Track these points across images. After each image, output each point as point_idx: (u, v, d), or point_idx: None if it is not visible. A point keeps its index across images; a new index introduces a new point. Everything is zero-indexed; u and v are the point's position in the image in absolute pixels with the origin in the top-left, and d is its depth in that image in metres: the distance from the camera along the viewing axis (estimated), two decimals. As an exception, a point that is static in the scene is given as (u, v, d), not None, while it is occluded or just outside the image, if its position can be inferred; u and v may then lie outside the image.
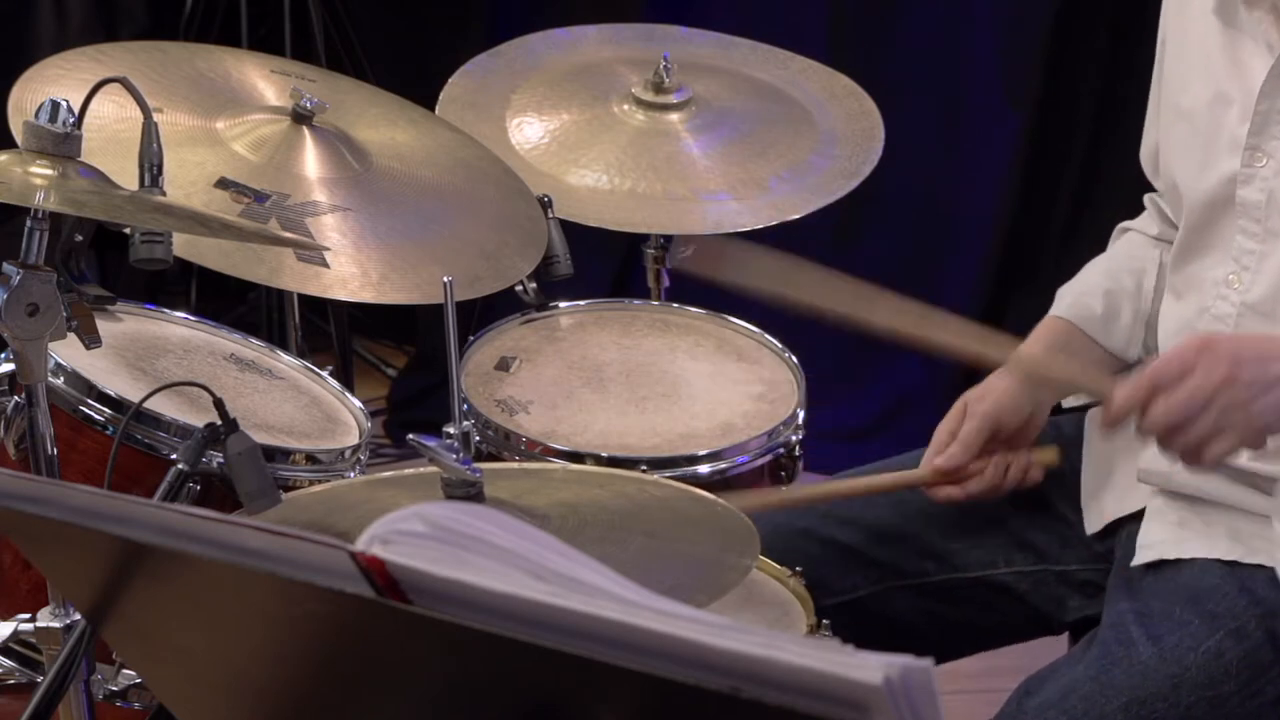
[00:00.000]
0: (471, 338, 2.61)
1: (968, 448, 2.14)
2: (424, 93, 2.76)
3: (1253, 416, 1.83)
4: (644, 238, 2.86)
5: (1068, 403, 2.27)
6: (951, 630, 2.21)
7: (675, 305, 2.74)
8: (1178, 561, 2.03)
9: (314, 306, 3.74)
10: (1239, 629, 1.95)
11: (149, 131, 2.01)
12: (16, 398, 2.14)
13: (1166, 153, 2.15)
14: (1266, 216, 2.03)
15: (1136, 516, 2.11)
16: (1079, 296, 2.25)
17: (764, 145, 2.79)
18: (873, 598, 2.19)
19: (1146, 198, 2.32)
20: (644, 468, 2.36)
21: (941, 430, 2.17)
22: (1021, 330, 3.75)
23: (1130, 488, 2.14)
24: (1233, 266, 2.05)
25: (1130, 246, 2.30)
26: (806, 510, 2.22)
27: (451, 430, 2.01)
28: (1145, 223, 2.31)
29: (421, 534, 1.08)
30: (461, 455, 1.67)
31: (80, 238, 2.04)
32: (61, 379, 2.18)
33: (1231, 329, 2.05)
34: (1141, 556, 2.05)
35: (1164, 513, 2.08)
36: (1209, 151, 2.07)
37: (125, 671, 2.16)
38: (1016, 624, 2.23)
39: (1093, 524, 2.17)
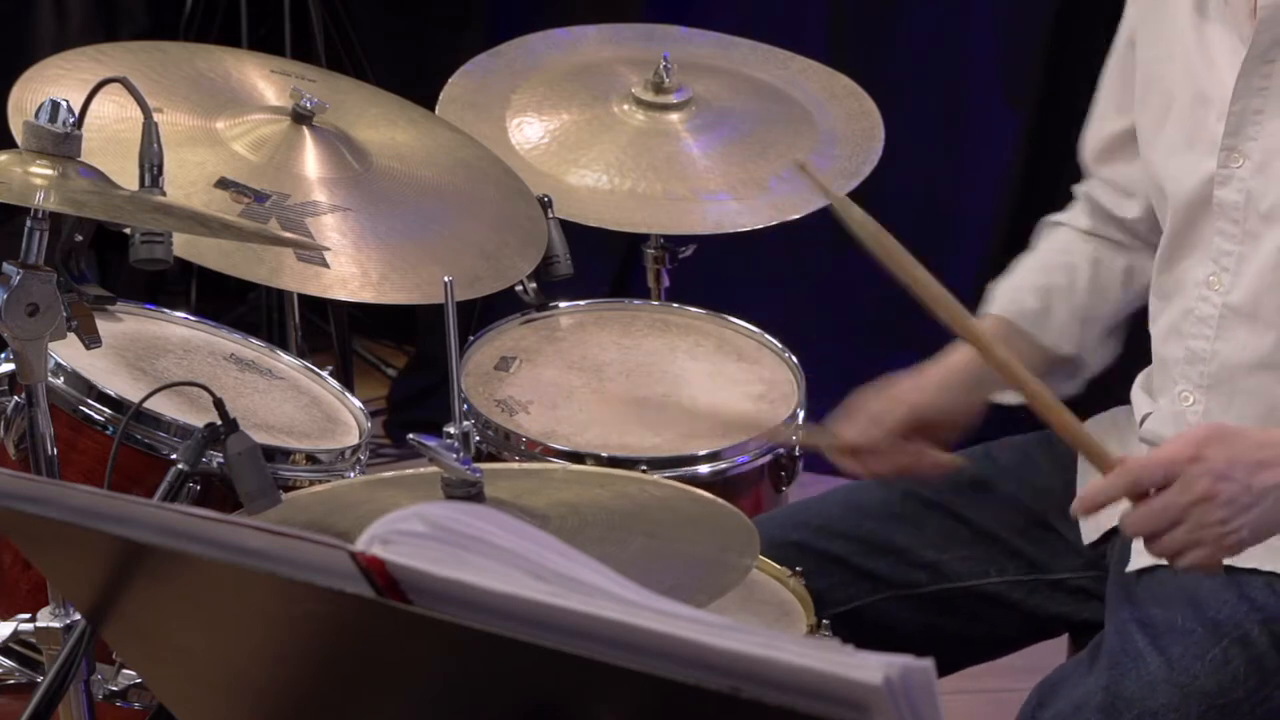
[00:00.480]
0: (471, 338, 2.61)
1: (888, 434, 2.14)
2: (424, 93, 2.76)
3: (1227, 536, 1.84)
4: (644, 238, 2.86)
5: (1005, 400, 2.25)
6: (949, 641, 2.20)
7: (675, 305, 2.74)
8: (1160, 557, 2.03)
9: (314, 306, 3.74)
10: (1243, 636, 1.95)
11: (149, 131, 2.01)
12: (16, 398, 2.14)
13: (1150, 153, 2.15)
14: (1245, 218, 2.02)
15: None
16: (1014, 293, 2.25)
17: (764, 145, 2.79)
18: (868, 609, 2.19)
19: (1076, 189, 2.31)
20: (644, 468, 2.36)
21: (861, 412, 2.16)
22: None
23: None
24: (1212, 268, 2.05)
25: (1061, 242, 2.30)
26: (799, 524, 2.21)
27: (451, 430, 2.01)
28: (1075, 215, 2.31)
29: (421, 534, 1.08)
30: (461, 455, 1.67)
31: (80, 238, 2.04)
32: (61, 379, 2.18)
33: (1214, 330, 2.05)
34: (1136, 562, 2.05)
35: None
36: (1189, 152, 2.07)
37: (125, 671, 2.16)
38: (1013, 633, 2.23)
39: (1089, 534, 2.17)
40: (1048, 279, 2.25)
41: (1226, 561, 2.00)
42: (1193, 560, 1.85)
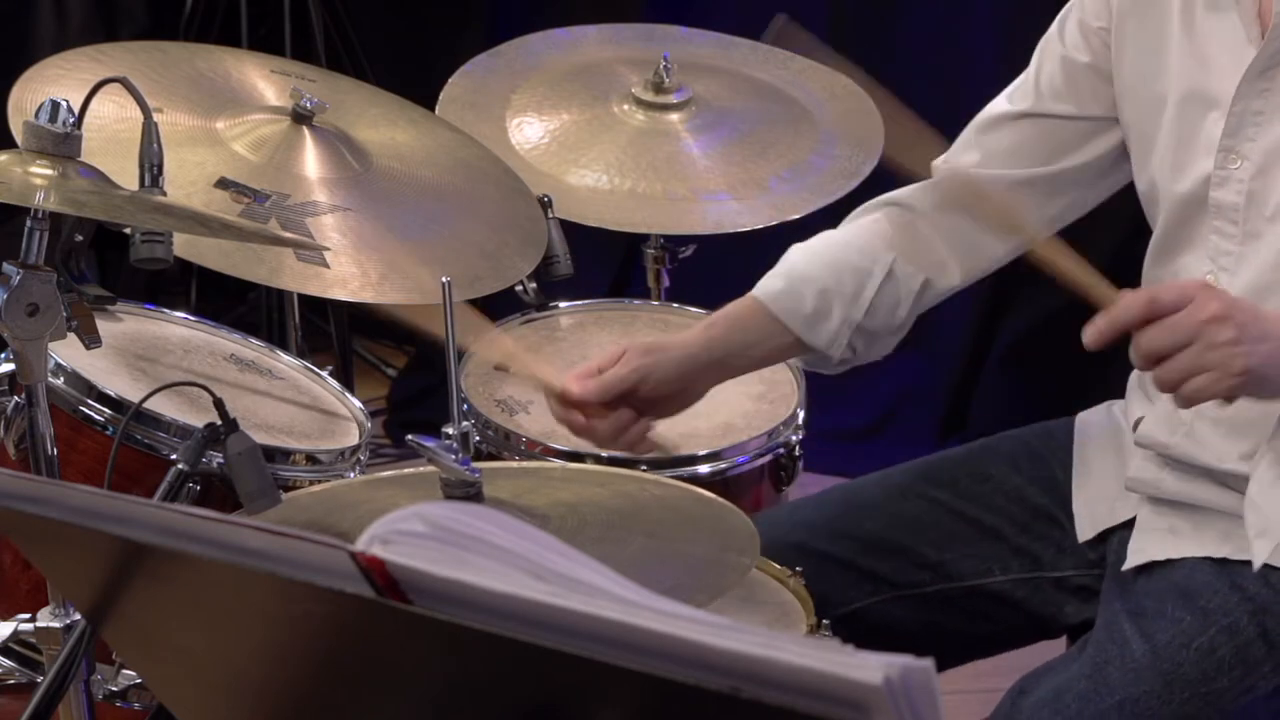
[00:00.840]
0: (472, 338, 2.61)
1: (605, 390, 2.08)
2: (424, 93, 2.76)
3: (1235, 358, 1.81)
4: (644, 238, 2.86)
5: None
6: (951, 639, 2.20)
7: (675, 305, 2.74)
8: (1169, 562, 2.03)
9: (314, 306, 3.74)
10: (1231, 625, 1.96)
11: (149, 131, 2.01)
12: (16, 398, 2.14)
13: (1141, 148, 2.14)
14: (1245, 219, 2.02)
15: (1128, 524, 2.11)
16: (790, 284, 2.18)
17: (764, 145, 2.79)
18: (870, 610, 2.18)
19: (935, 163, 2.24)
20: (644, 467, 2.36)
21: (593, 361, 2.11)
22: (1020, 330, 3.75)
23: (1120, 496, 2.13)
24: (1210, 267, 2.05)
25: (866, 239, 2.21)
26: (798, 524, 2.20)
27: (450, 430, 2.01)
28: (913, 195, 2.23)
29: (421, 534, 1.08)
30: (460, 455, 1.67)
31: (80, 238, 2.04)
32: (61, 379, 2.18)
33: None
34: (1133, 560, 2.06)
35: (1153, 520, 2.08)
36: (1184, 151, 2.06)
37: (125, 671, 2.16)
38: (1015, 631, 2.23)
39: (1084, 531, 2.17)
40: (835, 281, 2.17)
41: (1225, 556, 2.01)
42: (1198, 386, 1.83)
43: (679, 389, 2.14)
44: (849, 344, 2.18)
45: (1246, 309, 1.85)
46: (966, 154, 2.22)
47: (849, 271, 2.18)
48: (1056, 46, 2.18)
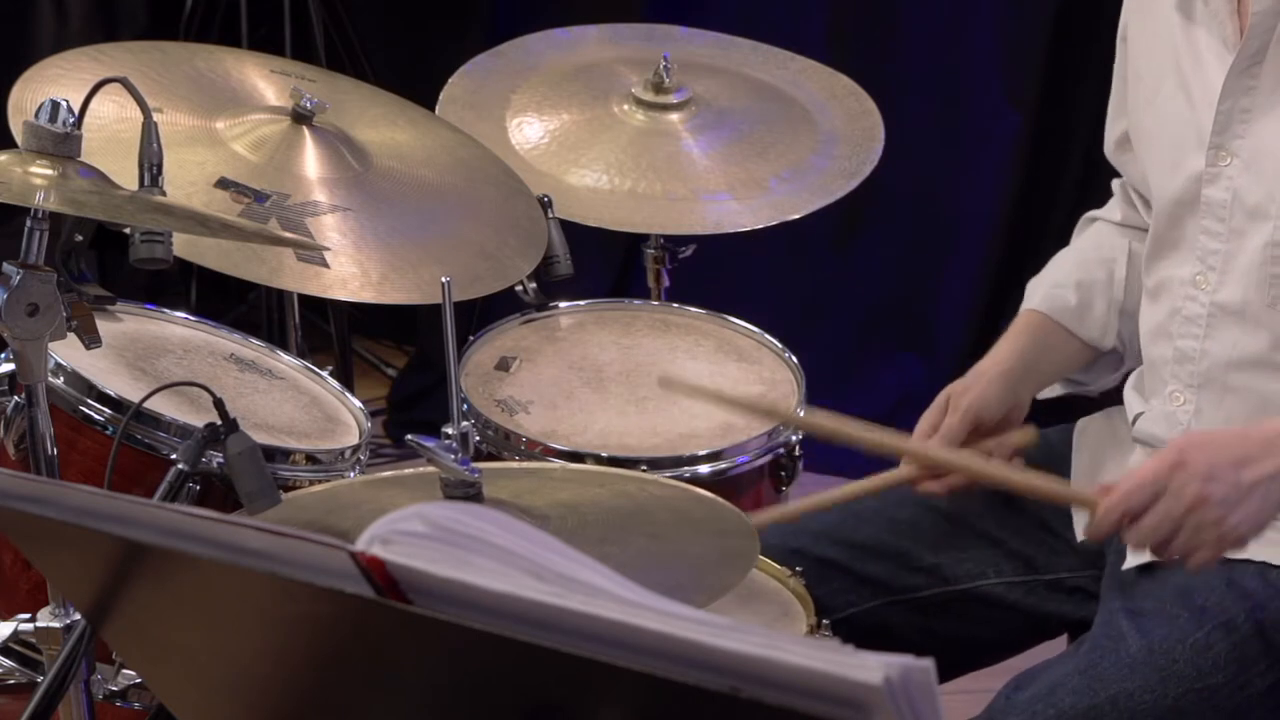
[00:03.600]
0: (471, 338, 2.61)
1: (950, 442, 2.13)
2: (424, 93, 2.76)
3: (1226, 532, 1.87)
4: (644, 238, 2.86)
5: (1045, 394, 2.26)
6: (950, 645, 2.20)
7: (675, 305, 2.74)
8: (1171, 563, 2.03)
9: (314, 306, 3.74)
10: (1227, 622, 1.96)
11: (149, 131, 2.01)
12: (16, 398, 2.14)
13: (1140, 151, 2.15)
14: (1231, 215, 2.03)
15: None
16: (1052, 289, 2.25)
17: (764, 145, 2.79)
18: (867, 614, 2.19)
19: (1114, 182, 2.32)
20: (644, 468, 2.36)
21: (924, 423, 2.16)
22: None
23: None
24: (1199, 266, 2.06)
25: (1098, 236, 2.30)
26: (797, 530, 2.21)
27: (450, 430, 2.01)
28: (1110, 209, 2.31)
29: (421, 534, 1.08)
30: (460, 456, 1.67)
31: (80, 238, 2.04)
32: (61, 379, 2.18)
33: (1203, 330, 2.05)
34: (1132, 560, 2.06)
35: None
36: (1177, 150, 2.07)
37: (125, 671, 2.16)
38: (1013, 635, 2.23)
39: (1082, 531, 2.17)
40: (1086, 274, 2.24)
41: (1225, 554, 2.01)
42: (1200, 560, 1.88)
43: (1011, 406, 2.18)
44: (1118, 333, 2.23)
45: (1224, 466, 1.86)
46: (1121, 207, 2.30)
47: (1095, 263, 2.25)
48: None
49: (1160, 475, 1.86)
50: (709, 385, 2.44)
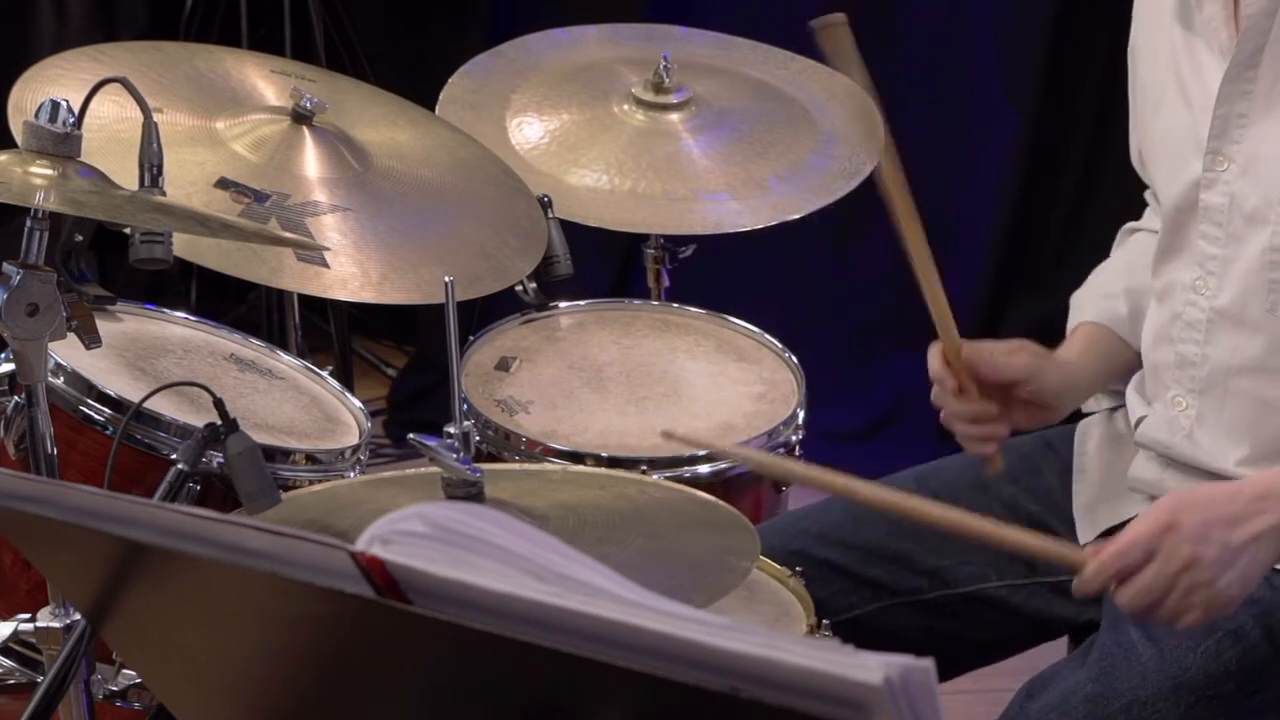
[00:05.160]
0: (471, 338, 2.61)
1: (999, 369, 2.10)
2: (424, 93, 2.76)
3: (1216, 593, 1.86)
4: (644, 238, 2.86)
5: (1087, 407, 2.26)
6: (952, 646, 2.20)
7: (675, 305, 2.74)
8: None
9: (314, 306, 3.74)
10: (1236, 629, 1.96)
11: (149, 131, 2.01)
12: (16, 398, 2.14)
13: (1147, 160, 2.16)
14: (1228, 220, 2.03)
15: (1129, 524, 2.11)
16: (1102, 300, 2.24)
17: (764, 145, 2.79)
18: (870, 617, 2.19)
19: (1147, 193, 2.32)
20: (644, 468, 2.36)
21: (988, 343, 2.13)
22: (1020, 330, 3.75)
23: (1122, 497, 2.14)
24: (1198, 271, 2.06)
25: (1139, 246, 2.29)
26: (798, 531, 2.21)
27: (452, 430, 2.01)
28: (1149, 219, 2.31)
29: (421, 534, 1.08)
30: (461, 455, 1.67)
31: (80, 238, 2.04)
32: (61, 379, 2.18)
33: (1203, 335, 2.05)
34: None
35: None
36: (1178, 157, 2.07)
37: (125, 671, 2.16)
38: (1015, 636, 2.23)
39: (1085, 534, 2.17)
40: (1133, 283, 2.23)
41: None
42: (1189, 622, 1.87)
43: (1052, 401, 2.15)
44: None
45: (1216, 526, 1.86)
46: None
47: (1141, 269, 2.22)
48: None
49: (1153, 537, 1.86)
50: (711, 440, 2.42)
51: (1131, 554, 1.87)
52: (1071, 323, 2.26)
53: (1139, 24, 2.19)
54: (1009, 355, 2.12)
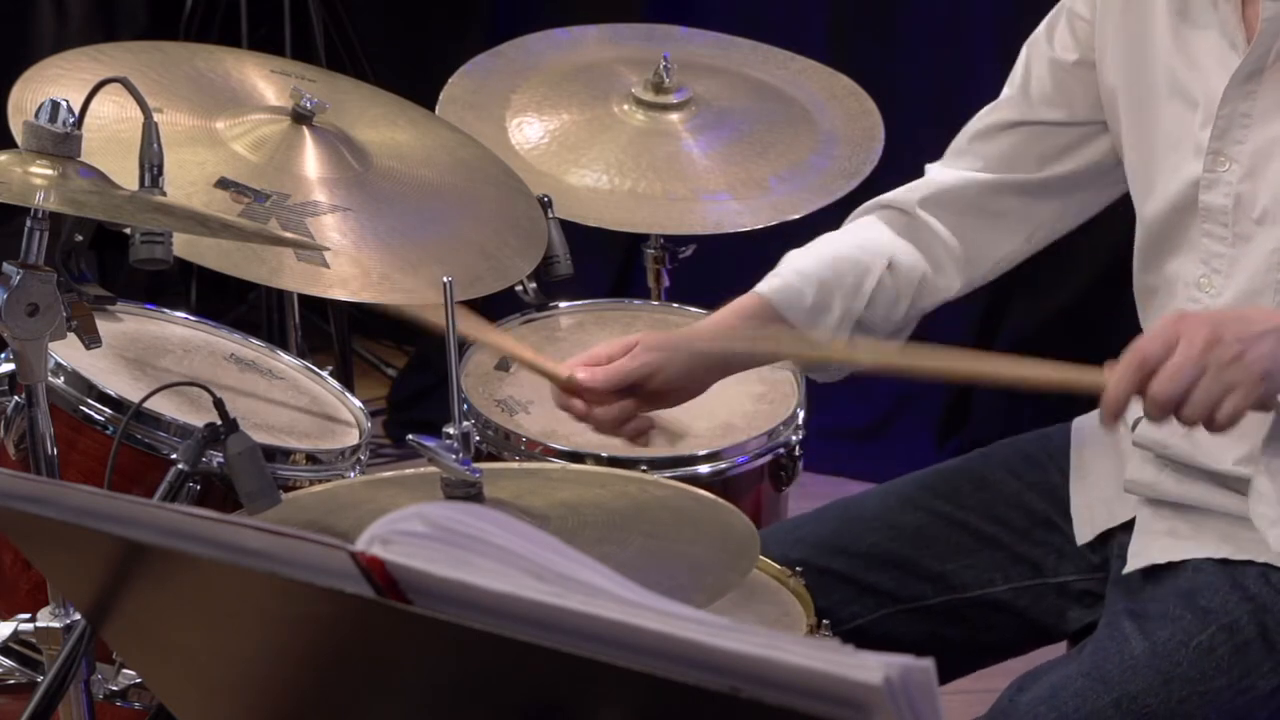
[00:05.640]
0: (472, 338, 2.61)
1: (613, 381, 2.07)
2: (424, 93, 2.76)
3: (1250, 366, 1.80)
4: (644, 238, 2.86)
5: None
6: (955, 650, 2.19)
7: (675, 305, 2.74)
8: (1172, 566, 2.03)
9: (314, 306, 3.74)
10: (1230, 624, 1.96)
11: (149, 131, 2.01)
12: (16, 398, 2.14)
13: (1130, 153, 2.13)
14: (1234, 221, 2.02)
15: (1127, 526, 2.11)
16: (796, 278, 2.19)
17: (764, 145, 2.79)
18: (874, 624, 2.18)
19: (930, 167, 2.28)
20: (644, 468, 2.36)
21: (602, 348, 2.10)
22: (1020, 331, 3.74)
23: (1118, 498, 2.13)
24: (1202, 270, 2.05)
25: (866, 234, 2.23)
26: (798, 540, 2.20)
27: (451, 430, 2.01)
28: (910, 190, 2.25)
29: (421, 534, 1.08)
30: (461, 455, 1.67)
31: (80, 238, 2.04)
32: (61, 379, 2.18)
33: None
34: (1134, 564, 2.06)
35: (1152, 522, 2.08)
36: (1173, 154, 2.06)
37: (125, 671, 2.16)
38: (1019, 638, 2.22)
39: (1083, 535, 2.17)
40: (834, 273, 2.18)
41: (1224, 556, 2.00)
42: (1230, 409, 1.81)
43: (686, 384, 2.13)
44: (849, 339, 2.18)
45: (1230, 319, 1.85)
46: (960, 160, 2.23)
47: (848, 265, 2.19)
48: (1044, 49, 2.18)
49: (1168, 331, 1.82)
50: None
51: (1150, 349, 1.82)
52: (764, 282, 2.21)
53: (1101, 17, 2.14)
54: (623, 366, 2.07)
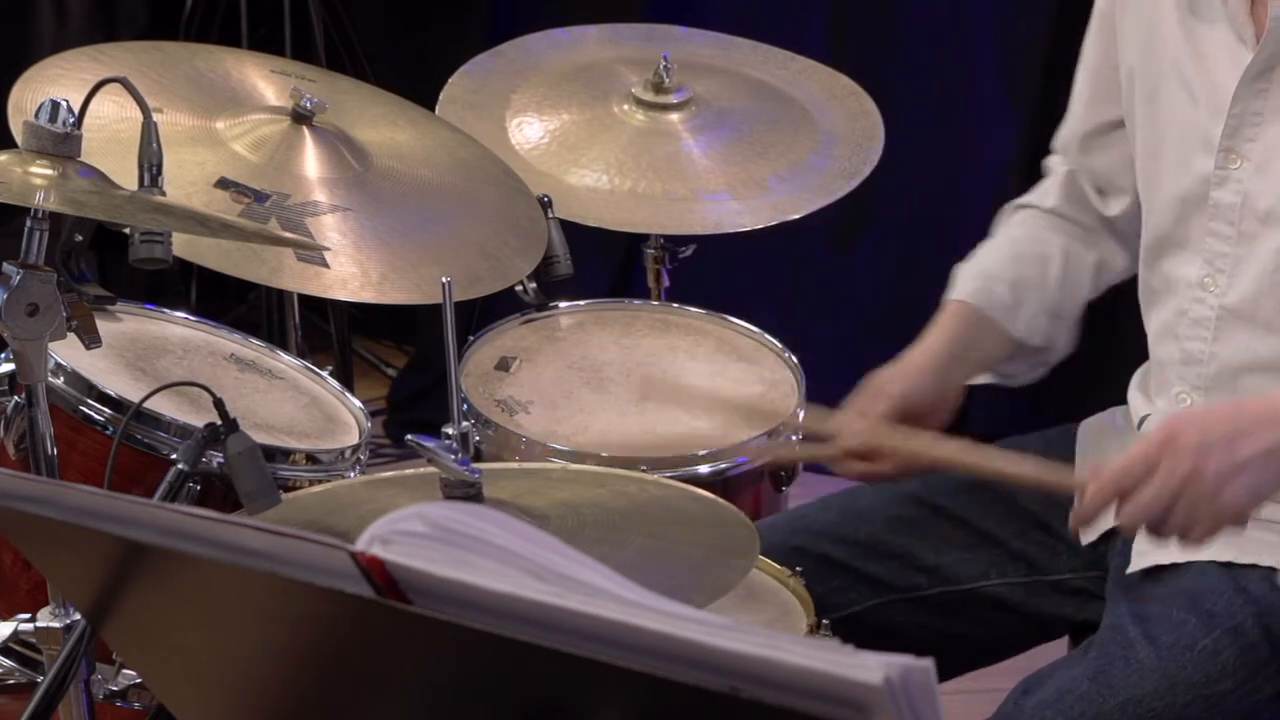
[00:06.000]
0: (471, 338, 2.61)
1: (877, 428, 2.11)
2: (424, 93, 2.76)
3: (1223, 506, 1.83)
4: (644, 238, 2.86)
5: (977, 381, 2.26)
6: (952, 645, 2.19)
7: (675, 305, 2.74)
8: (1175, 566, 2.03)
9: (314, 306, 3.74)
10: (1236, 627, 1.95)
11: (149, 131, 2.01)
12: (16, 398, 2.14)
13: (1138, 147, 2.14)
14: (1241, 219, 2.02)
15: None
16: (986, 281, 2.23)
17: (764, 145, 2.79)
18: (869, 613, 2.18)
19: (1052, 165, 2.31)
20: (644, 468, 2.36)
21: (851, 410, 2.14)
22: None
23: None
24: (1207, 269, 2.05)
25: (1030, 229, 2.28)
26: (797, 529, 2.20)
27: (450, 431, 2.01)
28: (1041, 195, 2.30)
29: (421, 534, 1.08)
30: (460, 456, 1.67)
31: (80, 238, 2.04)
32: (61, 379, 2.18)
33: (1211, 332, 2.04)
34: (1137, 563, 2.05)
35: None
36: (1182, 150, 2.06)
37: (125, 671, 2.16)
38: (1015, 635, 2.22)
39: (1087, 535, 2.17)
40: (1020, 270, 2.24)
41: (1228, 559, 2.00)
42: (1201, 535, 1.84)
43: (939, 396, 2.17)
44: (1045, 332, 2.23)
45: (1217, 442, 1.83)
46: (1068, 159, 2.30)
47: (1030, 259, 2.25)
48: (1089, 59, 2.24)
49: (1151, 454, 1.83)
50: (691, 387, 2.43)
51: (1131, 471, 1.84)
52: (951, 297, 2.25)
53: (1118, 8, 2.15)
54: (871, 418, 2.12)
